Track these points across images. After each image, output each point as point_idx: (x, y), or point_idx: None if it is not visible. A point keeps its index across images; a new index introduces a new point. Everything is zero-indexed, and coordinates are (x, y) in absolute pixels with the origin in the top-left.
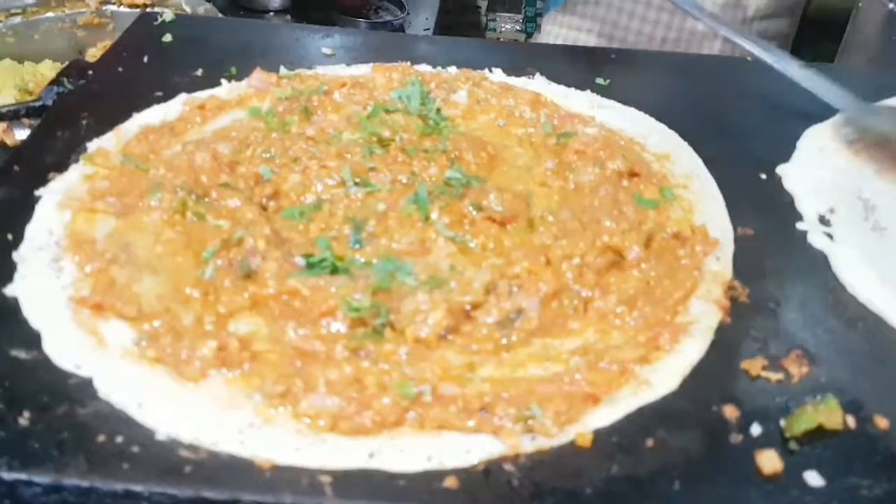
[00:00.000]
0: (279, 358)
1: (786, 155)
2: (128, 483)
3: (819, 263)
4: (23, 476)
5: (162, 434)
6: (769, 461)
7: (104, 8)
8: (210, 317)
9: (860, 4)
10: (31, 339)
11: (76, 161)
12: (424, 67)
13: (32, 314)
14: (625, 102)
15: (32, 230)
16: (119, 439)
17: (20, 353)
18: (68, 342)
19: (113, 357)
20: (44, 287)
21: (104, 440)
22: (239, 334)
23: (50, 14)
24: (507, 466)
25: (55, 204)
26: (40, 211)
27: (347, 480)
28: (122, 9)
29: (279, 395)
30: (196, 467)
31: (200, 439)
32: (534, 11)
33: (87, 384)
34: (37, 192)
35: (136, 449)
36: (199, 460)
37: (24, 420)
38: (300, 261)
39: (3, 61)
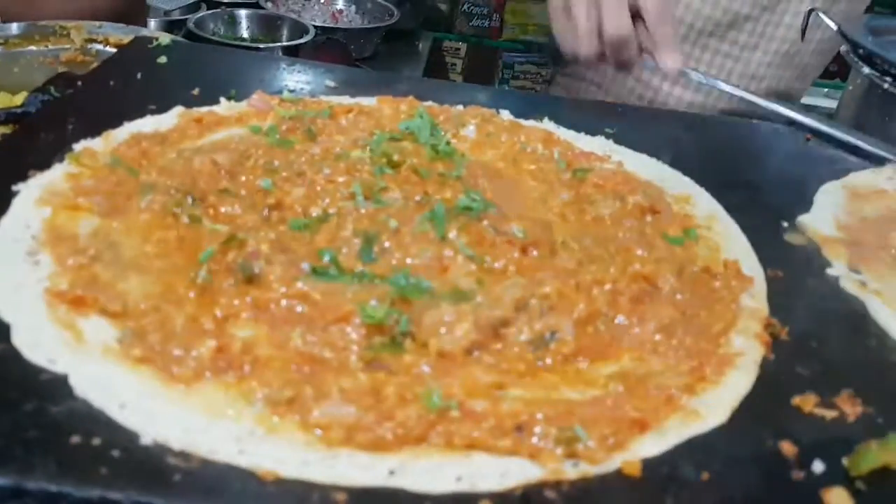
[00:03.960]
0: (283, 365)
1: (804, 207)
2: (106, 489)
3: (855, 308)
4: None
5: (147, 438)
6: (840, 500)
7: (89, 46)
8: (205, 319)
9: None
10: None
11: (60, 161)
12: (430, 104)
13: (2, 305)
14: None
15: (7, 222)
16: (96, 441)
17: None
18: (42, 335)
19: (92, 354)
20: (16, 278)
21: (79, 441)
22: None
23: (32, 48)
24: (549, 493)
25: (34, 199)
26: (17, 204)
27: (366, 499)
28: (107, 48)
29: (286, 401)
30: (187, 476)
31: (192, 446)
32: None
33: (61, 381)
34: (14, 188)
35: (116, 453)
36: (191, 469)
37: None
38: (306, 267)
39: None
